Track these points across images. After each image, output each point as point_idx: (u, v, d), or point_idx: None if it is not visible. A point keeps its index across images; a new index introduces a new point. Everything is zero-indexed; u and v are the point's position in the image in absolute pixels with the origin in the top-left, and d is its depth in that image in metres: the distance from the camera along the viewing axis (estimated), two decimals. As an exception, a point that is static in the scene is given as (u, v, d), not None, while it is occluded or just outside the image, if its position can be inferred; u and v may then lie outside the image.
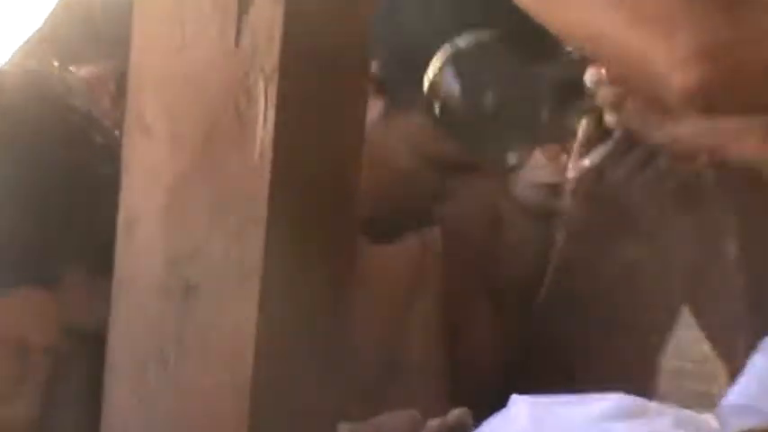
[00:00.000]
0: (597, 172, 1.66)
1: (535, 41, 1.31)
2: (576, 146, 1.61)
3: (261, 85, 0.87)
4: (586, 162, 1.60)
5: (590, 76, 1.29)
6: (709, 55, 1.05)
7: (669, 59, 1.06)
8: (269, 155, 0.87)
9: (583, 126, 1.55)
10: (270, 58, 0.86)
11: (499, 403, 1.11)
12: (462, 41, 1.36)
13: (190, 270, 0.90)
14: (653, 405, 1.25)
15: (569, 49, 1.35)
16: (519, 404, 1.30)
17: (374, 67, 1.35)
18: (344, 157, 0.94)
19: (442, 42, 1.39)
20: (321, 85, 0.91)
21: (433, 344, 1.74)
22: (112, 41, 1.13)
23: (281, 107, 0.86)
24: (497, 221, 1.81)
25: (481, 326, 1.68)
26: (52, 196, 1.09)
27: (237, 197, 0.89)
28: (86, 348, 0.98)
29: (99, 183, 1.01)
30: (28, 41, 1.70)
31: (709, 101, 1.14)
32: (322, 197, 0.93)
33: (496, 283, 1.79)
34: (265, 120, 0.87)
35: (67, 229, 1.09)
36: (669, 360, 2.20)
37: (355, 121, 0.97)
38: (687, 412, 1.39)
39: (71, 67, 1.47)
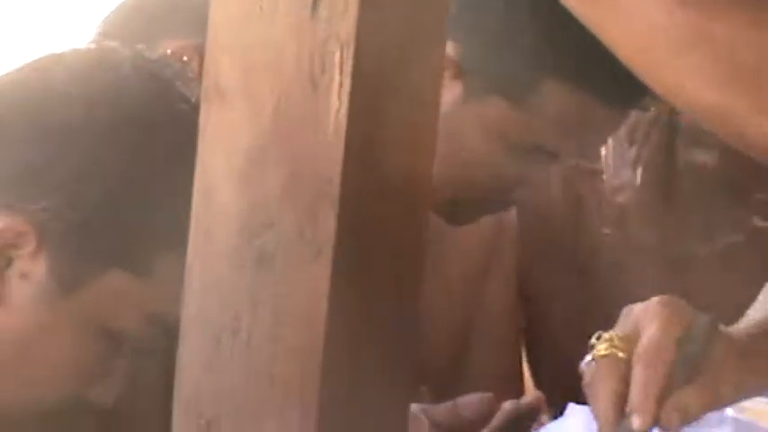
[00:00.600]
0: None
1: None
2: None
3: (336, 54, 0.87)
4: None
5: None
6: None
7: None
8: (343, 125, 0.87)
9: None
10: (345, 26, 0.86)
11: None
12: None
13: (264, 240, 0.91)
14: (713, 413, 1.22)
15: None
16: (576, 414, 1.30)
17: (452, 49, 1.37)
18: (418, 136, 0.94)
19: (523, 25, 1.41)
20: (396, 58, 0.90)
21: (506, 321, 1.79)
22: (195, 17, 1.15)
23: (357, 76, 0.86)
24: (578, 204, 1.85)
25: (562, 302, 1.71)
26: (155, 181, 1.13)
27: (311, 170, 0.89)
28: (169, 339, 1.00)
29: None
30: (116, 15, 1.73)
31: None
32: (394, 175, 0.93)
33: (579, 260, 1.84)
34: (340, 89, 0.87)
35: (163, 217, 1.12)
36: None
37: (430, 99, 0.97)
38: (746, 419, 1.37)
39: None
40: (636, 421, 1.00)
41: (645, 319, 1.06)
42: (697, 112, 1.16)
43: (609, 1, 1.03)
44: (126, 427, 1.11)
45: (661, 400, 1.02)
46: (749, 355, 1.13)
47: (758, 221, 1.76)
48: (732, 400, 1.13)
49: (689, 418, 1.03)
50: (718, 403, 1.08)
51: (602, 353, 1.05)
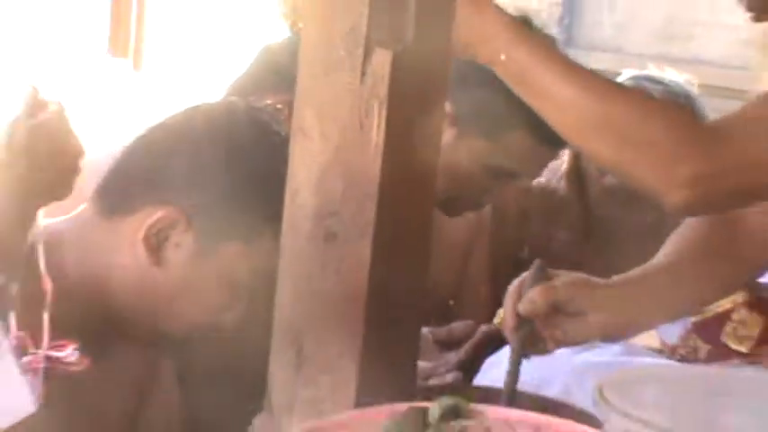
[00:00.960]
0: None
1: None
2: None
3: (376, 108, 1.28)
4: None
5: None
6: (699, 183, 1.49)
7: (667, 185, 1.51)
8: (380, 152, 1.29)
9: None
10: (382, 90, 1.27)
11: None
12: None
13: (329, 223, 1.32)
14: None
15: None
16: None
17: (449, 106, 1.92)
18: (427, 160, 1.38)
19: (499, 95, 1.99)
20: (414, 111, 1.33)
21: (483, 283, 2.45)
22: (290, 78, 1.52)
23: (389, 123, 1.28)
24: (522, 213, 2.55)
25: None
26: (260, 185, 1.53)
27: (359, 180, 1.30)
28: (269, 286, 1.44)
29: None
30: (240, 79, 2.26)
31: (696, 212, 1.69)
32: (412, 185, 1.36)
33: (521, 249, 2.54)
34: (378, 129, 1.29)
35: (263, 208, 1.51)
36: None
37: (435, 137, 1.42)
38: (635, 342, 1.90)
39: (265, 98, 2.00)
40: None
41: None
42: (606, 167, 1.74)
43: (547, 95, 1.51)
44: (242, 343, 1.52)
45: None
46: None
47: None
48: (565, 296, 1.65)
49: (535, 308, 1.60)
50: (555, 296, 1.62)
51: None
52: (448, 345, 2.03)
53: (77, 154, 1.40)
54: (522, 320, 1.63)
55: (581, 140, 1.61)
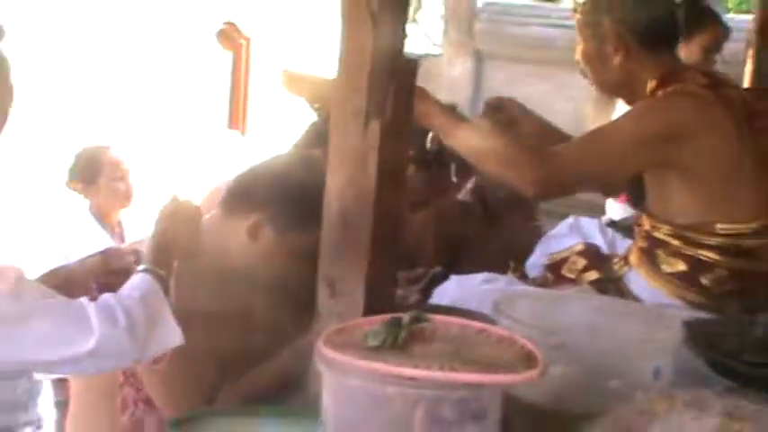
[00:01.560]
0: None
1: None
2: None
3: (372, 153, 1.90)
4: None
5: None
6: (539, 183, 2.53)
7: (523, 185, 2.56)
8: (375, 178, 1.90)
9: None
10: (375, 142, 1.90)
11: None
12: None
13: (347, 218, 1.96)
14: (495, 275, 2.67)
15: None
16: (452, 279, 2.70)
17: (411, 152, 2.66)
18: (399, 181, 2.00)
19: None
20: (393, 155, 1.94)
21: (429, 247, 3.29)
22: (325, 138, 2.06)
23: (379, 162, 1.90)
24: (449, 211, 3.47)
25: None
26: (309, 200, 2.06)
27: (364, 192, 1.92)
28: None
29: None
30: (299, 140, 3.05)
31: (544, 199, 3.00)
32: (392, 193, 1.94)
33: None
34: (373, 166, 1.91)
35: (311, 213, 2.04)
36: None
37: (403, 169, 2.06)
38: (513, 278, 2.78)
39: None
40: None
41: None
42: (493, 177, 2.80)
43: (459, 143, 2.56)
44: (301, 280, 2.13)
45: None
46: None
47: None
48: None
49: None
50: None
51: None
52: (412, 281, 2.81)
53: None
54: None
55: (479, 164, 2.60)
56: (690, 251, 2.60)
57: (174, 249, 1.99)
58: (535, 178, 2.44)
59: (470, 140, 2.44)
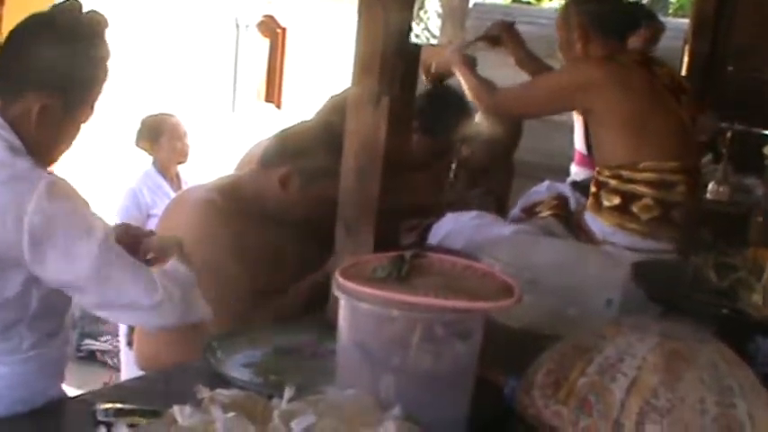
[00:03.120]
0: None
1: None
2: None
3: (383, 121, 1.91)
4: None
5: None
6: (490, 108, 2.67)
7: (483, 108, 3.01)
8: (383, 140, 1.92)
9: None
10: (385, 113, 1.90)
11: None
12: None
13: (364, 167, 1.97)
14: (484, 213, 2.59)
15: None
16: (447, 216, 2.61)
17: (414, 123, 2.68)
18: (403, 141, 2.03)
19: None
20: (399, 123, 1.94)
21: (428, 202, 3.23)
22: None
23: (389, 127, 1.91)
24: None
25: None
26: (332, 160, 2.05)
27: (375, 149, 1.93)
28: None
29: None
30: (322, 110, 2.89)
31: (497, 117, 3.09)
32: (396, 153, 1.95)
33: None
34: (384, 130, 1.92)
35: (334, 169, 2.04)
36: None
37: (407, 135, 2.06)
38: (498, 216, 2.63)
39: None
40: None
41: None
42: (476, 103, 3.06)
43: (462, 71, 2.98)
44: (324, 221, 2.09)
45: None
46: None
47: None
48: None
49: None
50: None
51: None
52: (411, 229, 2.76)
53: None
54: None
55: (468, 92, 2.88)
56: (623, 187, 2.78)
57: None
58: (489, 105, 2.84)
59: (465, 76, 2.84)
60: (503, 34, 3.26)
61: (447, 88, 3.00)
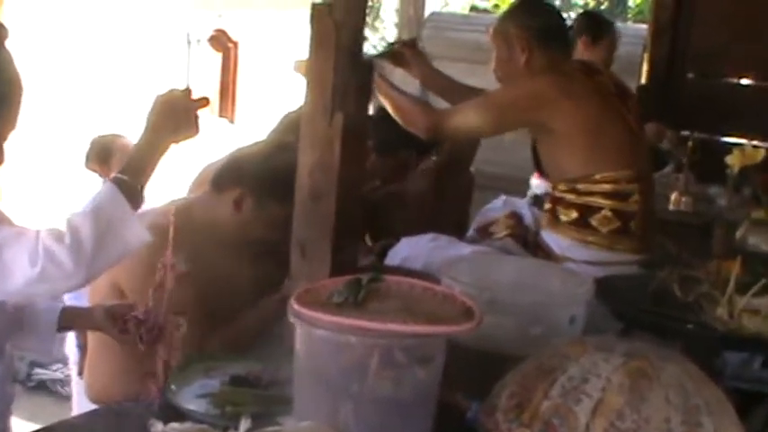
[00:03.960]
0: None
1: None
2: None
3: (337, 139, 1.88)
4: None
5: None
6: (429, 131, 2.62)
7: (419, 130, 2.78)
8: (338, 158, 1.89)
9: None
10: (339, 130, 1.88)
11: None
12: None
13: (317, 187, 1.97)
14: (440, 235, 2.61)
15: None
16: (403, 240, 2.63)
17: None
18: (358, 160, 2.04)
19: None
20: (354, 141, 1.92)
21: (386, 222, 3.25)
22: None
23: (342, 145, 1.89)
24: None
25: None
26: (284, 180, 2.03)
27: (330, 168, 1.91)
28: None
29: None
30: (277, 127, 2.97)
31: (437, 139, 3.06)
32: (352, 170, 1.93)
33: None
34: (337, 148, 1.90)
35: (287, 189, 1.99)
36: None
37: (363, 153, 2.06)
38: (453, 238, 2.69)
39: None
40: None
41: None
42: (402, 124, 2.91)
43: (385, 91, 2.93)
44: (279, 244, 2.14)
45: None
46: None
47: None
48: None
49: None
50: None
51: None
52: (369, 250, 2.79)
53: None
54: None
55: (393, 112, 2.84)
56: (580, 200, 2.75)
57: (164, 143, 1.82)
58: (429, 128, 2.76)
59: (392, 98, 2.76)
60: (406, 52, 3.20)
61: None
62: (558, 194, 2.81)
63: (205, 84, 8.33)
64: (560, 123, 2.70)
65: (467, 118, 2.80)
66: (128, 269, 2.03)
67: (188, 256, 1.79)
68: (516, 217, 3.07)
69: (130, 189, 1.76)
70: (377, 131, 2.84)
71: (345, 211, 1.93)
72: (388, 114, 2.80)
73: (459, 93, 3.14)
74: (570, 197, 2.76)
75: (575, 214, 2.75)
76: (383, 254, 2.65)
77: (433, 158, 3.33)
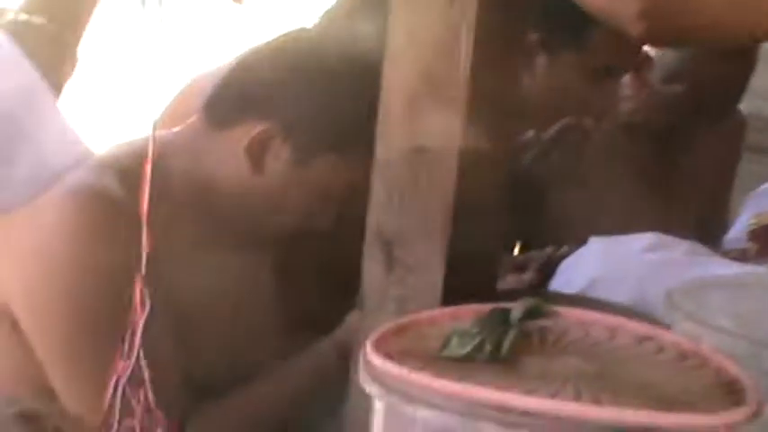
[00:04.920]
0: None
1: None
2: None
3: (464, 31, 1.42)
4: None
5: None
6: (648, 15, 2.37)
7: (628, 16, 2.33)
8: (466, 81, 1.50)
9: None
10: (470, 13, 1.46)
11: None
12: None
13: (420, 140, 1.57)
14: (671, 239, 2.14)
15: None
16: (592, 243, 2.23)
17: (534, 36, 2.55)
18: (508, 85, 1.77)
19: None
20: (499, 38, 1.57)
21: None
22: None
23: (476, 47, 1.44)
24: None
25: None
26: (353, 102, 1.94)
27: (448, 102, 1.54)
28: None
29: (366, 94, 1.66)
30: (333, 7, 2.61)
31: (652, 37, 2.52)
32: (494, 108, 1.69)
33: None
34: (465, 57, 1.47)
35: (358, 122, 1.90)
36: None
37: (515, 66, 1.84)
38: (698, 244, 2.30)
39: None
40: None
41: None
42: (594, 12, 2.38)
43: None
44: (336, 245, 1.82)
45: None
46: None
47: None
48: None
49: None
50: None
51: None
52: (521, 267, 2.40)
53: None
54: None
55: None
56: None
57: None
58: (640, 11, 2.37)
59: None
60: None
61: None
62: None
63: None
64: None
65: None
66: (30, 276, 1.83)
67: (151, 252, 1.65)
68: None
69: (58, 40, 1.75)
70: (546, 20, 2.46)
71: (478, 180, 1.55)
72: None
73: None
74: None
75: None
76: (550, 269, 2.47)
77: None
